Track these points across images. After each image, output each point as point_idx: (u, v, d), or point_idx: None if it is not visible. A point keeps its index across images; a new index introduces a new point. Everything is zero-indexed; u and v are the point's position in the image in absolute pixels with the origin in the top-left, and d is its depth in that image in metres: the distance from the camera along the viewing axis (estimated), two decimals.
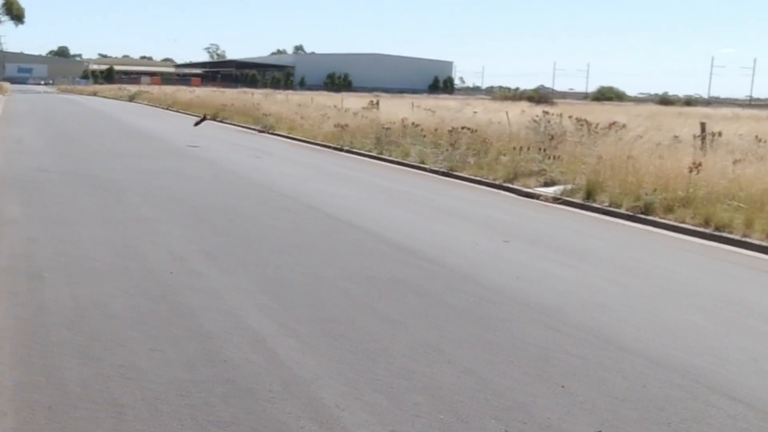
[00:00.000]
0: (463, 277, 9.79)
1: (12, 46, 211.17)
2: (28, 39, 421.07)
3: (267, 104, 48.01)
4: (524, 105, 55.71)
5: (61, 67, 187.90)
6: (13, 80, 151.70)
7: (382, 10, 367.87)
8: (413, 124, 27.72)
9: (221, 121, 45.89)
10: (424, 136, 25.85)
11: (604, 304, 8.80)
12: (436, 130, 26.35)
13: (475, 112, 37.69)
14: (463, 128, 24.55)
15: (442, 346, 7.07)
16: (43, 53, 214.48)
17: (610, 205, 16.07)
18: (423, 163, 23.35)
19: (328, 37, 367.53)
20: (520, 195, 18.44)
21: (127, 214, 13.24)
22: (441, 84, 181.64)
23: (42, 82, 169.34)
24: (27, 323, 7.24)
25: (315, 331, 7.34)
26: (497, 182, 19.81)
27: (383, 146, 26.84)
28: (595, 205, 16.39)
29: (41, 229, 11.76)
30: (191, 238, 11.46)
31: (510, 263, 10.74)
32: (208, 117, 33.68)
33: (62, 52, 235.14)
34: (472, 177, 20.88)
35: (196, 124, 33.54)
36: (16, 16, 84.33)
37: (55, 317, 7.45)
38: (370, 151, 27.28)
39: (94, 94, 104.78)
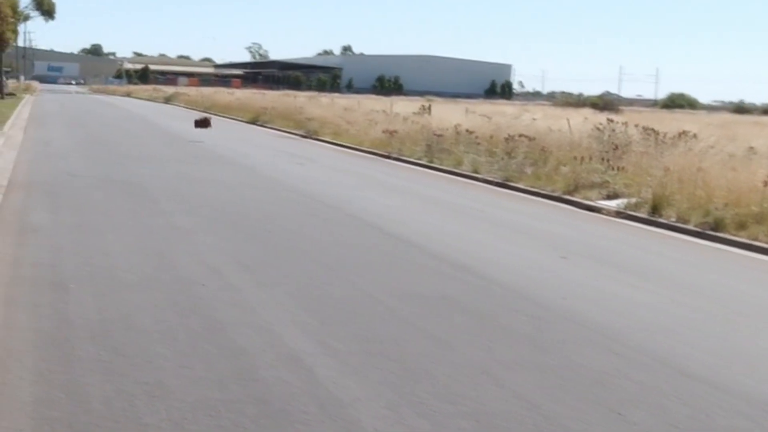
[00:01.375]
0: (516, 294, 9.76)
1: (42, 43, 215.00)
2: (59, 36, 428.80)
3: (311, 108, 48.20)
4: (587, 112, 55.32)
5: (94, 66, 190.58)
6: (42, 79, 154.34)
7: (436, 9, 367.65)
8: (467, 130, 27.59)
9: (262, 125, 46.25)
10: (479, 143, 25.76)
11: (667, 327, 8.72)
12: (491, 137, 26.27)
13: (534, 119, 37.45)
14: (520, 136, 24.44)
15: (490, 368, 7.06)
16: (75, 51, 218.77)
17: (677, 221, 15.92)
18: (476, 172, 23.31)
19: (378, 38, 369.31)
20: (580, 208, 18.34)
21: (159, 222, 13.38)
22: (498, 88, 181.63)
23: (73, 82, 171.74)
24: (49, 336, 7.34)
25: (355, 349, 7.36)
26: (556, 194, 19.73)
27: (434, 154, 26.83)
28: (661, 220, 16.25)
29: (68, 236, 11.92)
30: (226, 249, 11.55)
31: (567, 281, 10.68)
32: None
33: (95, 51, 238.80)
34: (529, 188, 20.81)
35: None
36: (47, 11, 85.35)
37: (79, 330, 7.53)
38: (420, 159, 27.29)
39: (128, 94, 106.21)
